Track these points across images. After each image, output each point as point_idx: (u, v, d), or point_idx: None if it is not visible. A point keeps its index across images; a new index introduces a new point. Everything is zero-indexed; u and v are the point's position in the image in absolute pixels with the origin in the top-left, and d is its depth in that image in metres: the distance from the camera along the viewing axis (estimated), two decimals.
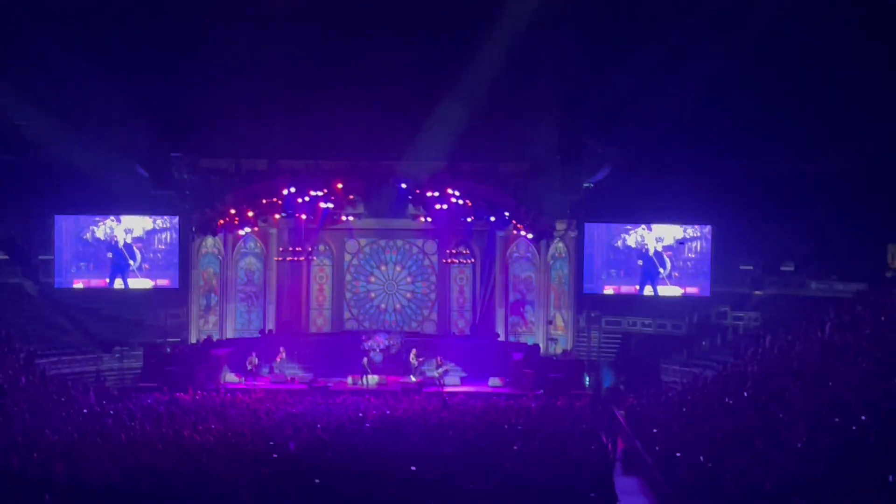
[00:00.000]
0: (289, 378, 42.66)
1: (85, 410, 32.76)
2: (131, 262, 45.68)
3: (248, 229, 46.91)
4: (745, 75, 44.31)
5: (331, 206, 44.57)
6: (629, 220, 46.62)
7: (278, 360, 43.81)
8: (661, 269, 46.18)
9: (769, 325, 42.86)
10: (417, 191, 43.36)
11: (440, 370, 41.84)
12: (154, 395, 37.01)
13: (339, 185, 42.84)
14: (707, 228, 46.08)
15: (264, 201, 43.32)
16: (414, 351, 42.91)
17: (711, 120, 44.95)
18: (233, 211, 43.27)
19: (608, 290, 46.76)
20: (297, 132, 44.20)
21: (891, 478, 22.42)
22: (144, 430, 30.14)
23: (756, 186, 46.16)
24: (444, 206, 43.88)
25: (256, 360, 43.05)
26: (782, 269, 47.24)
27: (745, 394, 32.09)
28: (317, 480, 24.51)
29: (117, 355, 44.55)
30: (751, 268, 47.93)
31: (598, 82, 43.85)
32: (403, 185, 42.94)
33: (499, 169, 44.70)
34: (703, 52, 42.96)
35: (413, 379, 41.92)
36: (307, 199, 43.40)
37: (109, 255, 45.60)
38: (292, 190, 42.94)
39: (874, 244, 44.47)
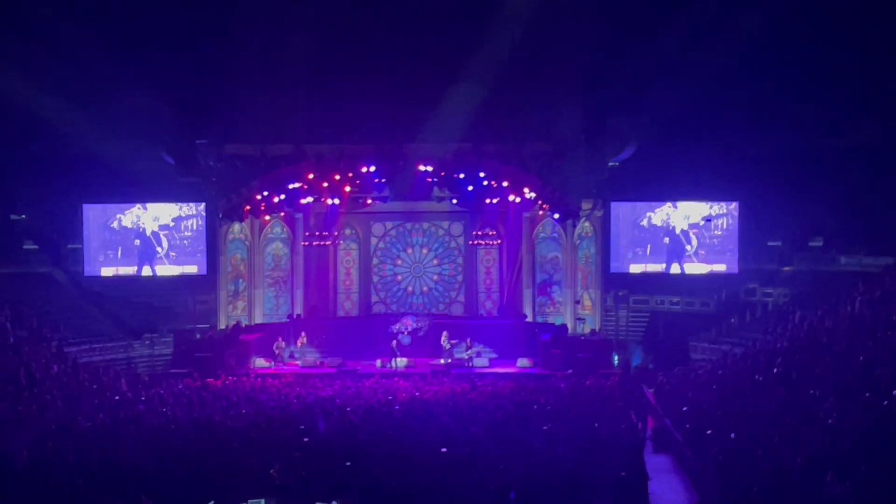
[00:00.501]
0: (318, 362, 42.82)
1: (117, 397, 33.01)
2: (158, 249, 45.89)
3: (274, 215, 47.09)
4: (772, 48, 43.89)
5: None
6: (655, 199, 46.36)
7: (299, 344, 43.98)
8: (687, 247, 45.95)
9: (798, 301, 42.61)
10: (443, 173, 43.29)
11: (469, 352, 41.91)
12: (185, 381, 37.28)
13: (365, 169, 42.79)
14: (733, 205, 45.74)
15: (290, 186, 43.32)
16: (445, 333, 42.94)
17: (737, 95, 44.60)
18: (259, 196, 43.33)
19: (634, 269, 46.56)
20: (321, 116, 44.15)
21: None
22: (176, 415, 30.35)
23: (783, 161, 45.77)
24: (470, 188, 43.81)
25: (284, 345, 43.27)
26: (811, 244, 46.89)
27: (775, 370, 31.98)
28: (347, 463, 24.62)
29: (147, 342, 44.81)
30: (779, 244, 47.60)
31: (621, 60, 43.52)
32: (429, 168, 42.82)
33: (523, 149, 44.47)
34: (728, 26, 42.54)
35: (443, 361, 41.98)
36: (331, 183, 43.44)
37: (137, 242, 45.80)
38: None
39: None
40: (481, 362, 42.16)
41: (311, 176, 42.92)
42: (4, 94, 42.37)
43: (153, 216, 45.81)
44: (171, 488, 22.66)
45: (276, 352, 42.96)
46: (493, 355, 43.67)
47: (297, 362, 43.07)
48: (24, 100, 42.23)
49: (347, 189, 44.33)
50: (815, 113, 44.74)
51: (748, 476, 23.08)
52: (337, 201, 45.29)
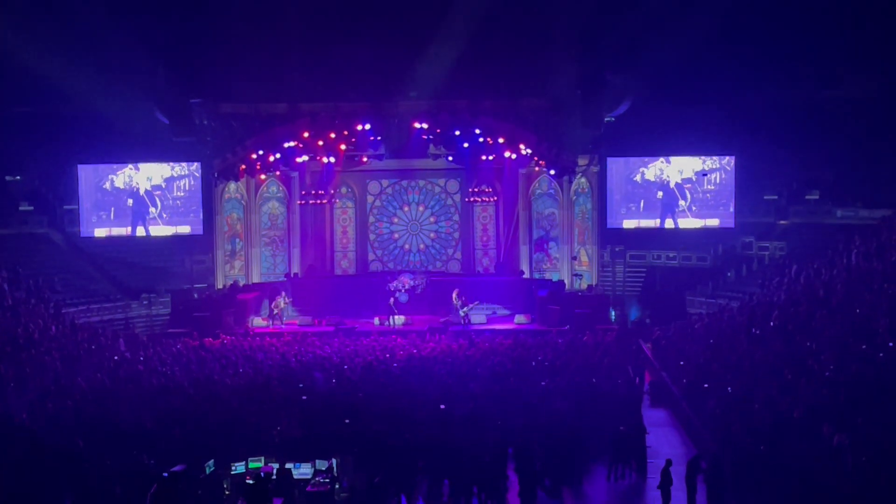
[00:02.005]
0: (316, 321, 42.89)
1: (115, 357, 33.13)
2: (152, 209, 45.81)
3: (270, 174, 46.97)
4: (766, 1, 43.61)
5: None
6: (651, 154, 46.27)
7: (282, 305, 43.54)
8: (680, 202, 45.91)
9: (795, 255, 42.71)
10: (438, 130, 43.12)
11: (465, 308, 41.90)
12: (183, 341, 37.35)
13: (360, 127, 42.61)
14: (727, 159, 45.63)
15: (285, 145, 43.16)
16: (456, 291, 42.78)
17: (734, 48, 44.28)
18: (254, 156, 43.19)
19: (628, 225, 46.54)
20: (316, 74, 43.84)
21: None
22: (175, 375, 30.46)
23: (780, 115, 45.68)
24: (466, 145, 43.68)
25: (282, 303, 43.30)
26: (807, 197, 46.91)
27: (772, 324, 32.09)
28: (346, 420, 24.75)
29: (145, 302, 44.91)
30: (775, 197, 47.62)
31: (617, 14, 43.17)
32: (424, 125, 42.65)
33: (519, 105, 44.25)
34: None
35: (463, 314, 41.74)
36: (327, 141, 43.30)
37: (130, 202, 45.68)
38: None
39: None
40: (479, 319, 42.21)
41: (306, 134, 42.72)
42: None
43: (146, 176, 45.67)
44: (171, 447, 22.80)
45: (275, 311, 43.03)
46: (507, 312, 43.76)
47: (296, 321, 43.14)
48: (18, 60, 41.93)
49: (343, 147, 44.19)
50: (812, 65, 44.49)
51: (745, 429, 23.22)
52: (332, 160, 45.17)
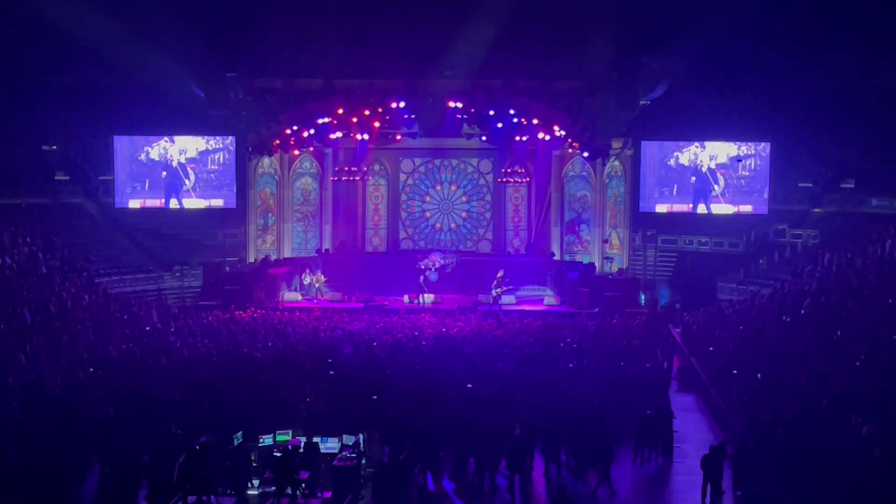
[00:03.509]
0: (346, 297, 43.05)
1: (147, 328, 33.39)
2: (185, 181, 45.99)
3: (303, 149, 47.09)
4: None
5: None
6: (685, 139, 45.94)
7: (316, 283, 43.70)
8: (714, 187, 45.61)
9: (828, 243, 42.39)
10: (472, 109, 43.07)
11: (498, 289, 41.86)
12: (214, 313, 37.60)
13: (394, 105, 42.63)
14: (762, 145, 45.24)
15: (319, 121, 43.26)
16: (501, 272, 42.56)
17: (771, 34, 43.99)
18: (288, 131, 43.33)
19: (660, 209, 46.26)
20: (351, 51, 43.94)
21: None
22: (205, 346, 30.70)
23: (816, 102, 45.25)
24: (500, 125, 43.64)
25: (324, 278, 43.44)
26: (842, 186, 46.48)
27: (803, 311, 31.94)
28: (374, 397, 24.86)
29: (177, 274, 45.17)
30: (810, 185, 47.23)
31: None
32: (458, 104, 42.61)
33: (554, 86, 44.17)
34: None
35: (494, 295, 41.68)
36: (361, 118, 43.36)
37: (164, 175, 45.88)
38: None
39: None
40: (508, 299, 42.24)
41: (340, 111, 42.83)
42: (37, 24, 42.48)
43: (180, 149, 45.83)
44: (200, 418, 22.99)
45: (316, 285, 43.24)
46: (537, 294, 43.66)
47: (326, 296, 43.32)
48: (56, 31, 42.22)
49: (377, 124, 44.24)
50: (849, 53, 44.05)
51: (772, 416, 23.15)
52: (366, 136, 45.19)
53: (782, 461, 21.20)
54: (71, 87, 46.47)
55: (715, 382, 29.07)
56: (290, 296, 43.25)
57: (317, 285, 43.55)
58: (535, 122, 43.12)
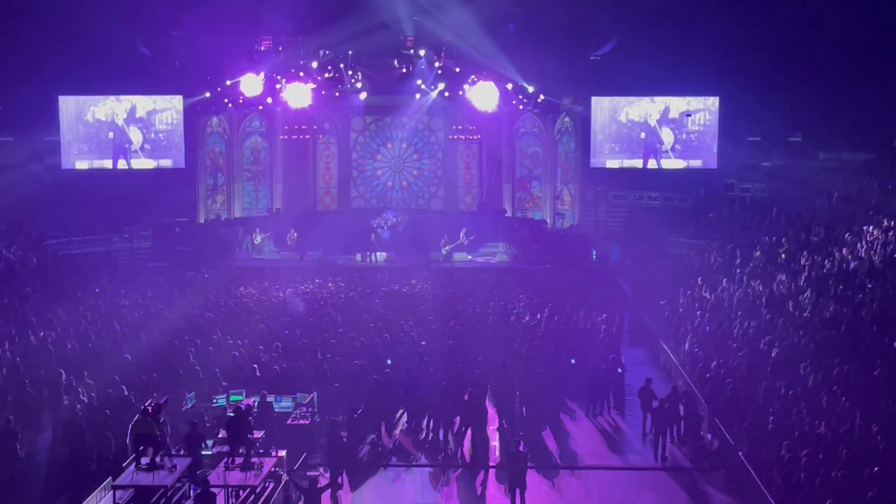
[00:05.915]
0: (298, 256, 42.84)
1: (97, 290, 33.06)
2: (133, 141, 45.43)
3: (252, 109, 46.53)
4: None
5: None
6: (635, 93, 46.02)
7: (289, 241, 43.51)
8: (664, 141, 45.81)
9: (776, 197, 42.83)
10: (423, 66, 42.82)
11: (447, 247, 41.85)
12: (164, 275, 37.33)
13: (342, 66, 42.26)
14: (712, 100, 45.45)
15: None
16: (464, 230, 42.47)
17: None
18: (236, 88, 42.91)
19: (611, 164, 46.38)
20: (299, 8, 43.48)
21: None
22: (156, 308, 30.55)
23: (764, 56, 45.45)
24: (449, 82, 43.41)
25: (296, 236, 43.06)
26: (790, 139, 46.91)
27: (752, 264, 32.33)
28: (328, 355, 24.95)
29: (126, 236, 44.63)
30: (758, 139, 47.58)
31: None
32: (409, 61, 42.34)
33: (503, 42, 44.02)
34: None
35: (444, 252, 41.67)
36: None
37: (111, 135, 45.28)
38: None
39: (883, 113, 44.11)
40: (460, 256, 42.26)
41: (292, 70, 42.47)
42: None
43: (127, 108, 45.21)
44: (152, 380, 22.96)
45: (257, 242, 42.98)
46: (505, 254, 43.56)
47: (276, 256, 43.08)
48: None
49: (327, 76, 43.73)
50: (798, 6, 44.30)
51: (723, 367, 23.49)
52: (312, 86, 44.57)
53: (732, 411, 21.55)
54: (14, 45, 45.60)
55: (665, 335, 29.42)
56: (242, 255, 42.95)
57: (290, 242, 43.14)
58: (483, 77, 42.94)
